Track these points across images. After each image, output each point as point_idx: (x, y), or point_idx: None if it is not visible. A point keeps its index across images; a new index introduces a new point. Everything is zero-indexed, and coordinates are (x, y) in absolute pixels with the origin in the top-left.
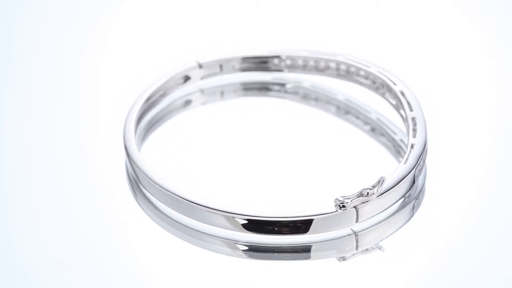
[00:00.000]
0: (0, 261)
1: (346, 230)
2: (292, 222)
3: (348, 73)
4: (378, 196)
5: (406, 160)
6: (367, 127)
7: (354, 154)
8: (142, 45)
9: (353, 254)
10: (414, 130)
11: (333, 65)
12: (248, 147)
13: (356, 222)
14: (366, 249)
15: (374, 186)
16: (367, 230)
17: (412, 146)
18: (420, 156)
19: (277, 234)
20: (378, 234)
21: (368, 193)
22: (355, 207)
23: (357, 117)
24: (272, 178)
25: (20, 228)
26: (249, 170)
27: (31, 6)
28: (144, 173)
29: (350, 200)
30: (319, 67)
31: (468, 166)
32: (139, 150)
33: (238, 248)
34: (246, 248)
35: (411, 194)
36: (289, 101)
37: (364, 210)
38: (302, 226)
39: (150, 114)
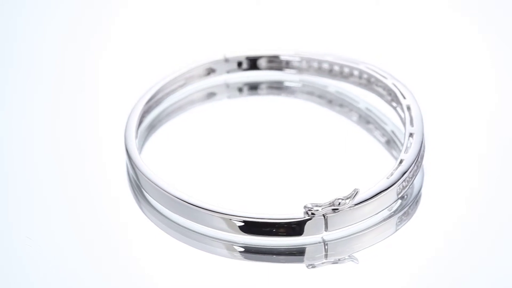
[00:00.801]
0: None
1: (316, 238)
2: (280, 224)
3: (369, 82)
4: (349, 207)
5: (391, 175)
6: (384, 139)
7: (363, 164)
8: (165, 43)
9: (322, 263)
10: (409, 145)
11: (356, 72)
12: (259, 147)
13: (325, 230)
14: (338, 259)
15: (347, 197)
16: (339, 240)
17: (400, 162)
18: (405, 173)
19: (273, 236)
20: (353, 246)
21: (339, 203)
22: (324, 215)
23: (377, 128)
24: (280, 180)
25: (20, 230)
26: (257, 171)
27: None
28: (143, 173)
29: (320, 208)
30: (344, 73)
31: (466, 189)
32: (143, 145)
33: (235, 250)
34: (243, 249)
35: (398, 210)
36: (315, 105)
37: (334, 220)
38: (296, 228)
39: (164, 105)
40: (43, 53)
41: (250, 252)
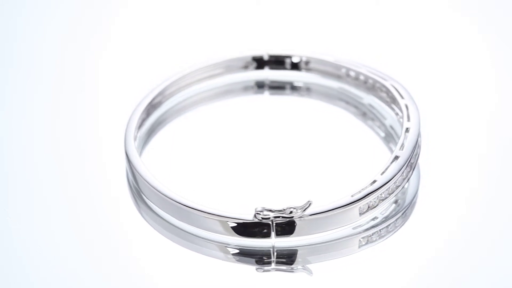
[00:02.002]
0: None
1: (267, 242)
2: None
3: (393, 100)
4: (300, 217)
5: (358, 193)
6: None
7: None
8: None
9: (272, 268)
10: (387, 168)
11: (384, 89)
12: (271, 149)
13: (275, 237)
14: (291, 268)
15: (300, 207)
16: (293, 249)
17: (373, 182)
18: (370, 194)
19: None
20: (308, 257)
21: (291, 211)
22: (272, 221)
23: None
24: (286, 183)
25: (20, 231)
26: (262, 174)
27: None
28: (140, 174)
29: (271, 213)
30: (375, 88)
31: (453, 222)
32: (149, 143)
33: (229, 252)
34: (237, 251)
35: (368, 229)
36: (350, 115)
37: (284, 227)
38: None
39: (172, 101)
40: (43, 53)
41: (244, 253)
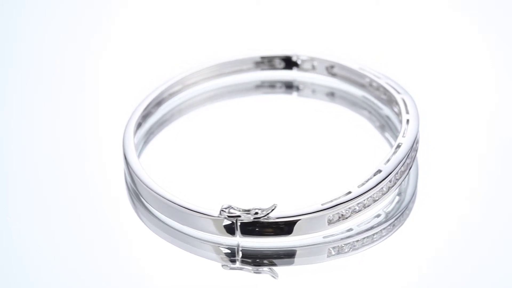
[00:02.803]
0: None
1: (232, 240)
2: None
3: (400, 114)
4: (264, 219)
5: (327, 203)
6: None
7: None
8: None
9: (237, 267)
10: (365, 181)
11: (397, 105)
12: (275, 152)
13: (240, 236)
14: (257, 269)
15: (265, 210)
16: (260, 250)
17: (347, 193)
18: (340, 204)
19: (261, 236)
20: (274, 260)
21: (257, 212)
22: (236, 220)
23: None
24: (287, 185)
25: (20, 235)
26: (263, 176)
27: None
28: (138, 177)
29: (237, 211)
30: (391, 100)
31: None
32: (151, 141)
33: (222, 252)
34: (229, 251)
35: (342, 240)
36: (369, 124)
37: (246, 228)
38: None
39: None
40: (43, 53)
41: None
